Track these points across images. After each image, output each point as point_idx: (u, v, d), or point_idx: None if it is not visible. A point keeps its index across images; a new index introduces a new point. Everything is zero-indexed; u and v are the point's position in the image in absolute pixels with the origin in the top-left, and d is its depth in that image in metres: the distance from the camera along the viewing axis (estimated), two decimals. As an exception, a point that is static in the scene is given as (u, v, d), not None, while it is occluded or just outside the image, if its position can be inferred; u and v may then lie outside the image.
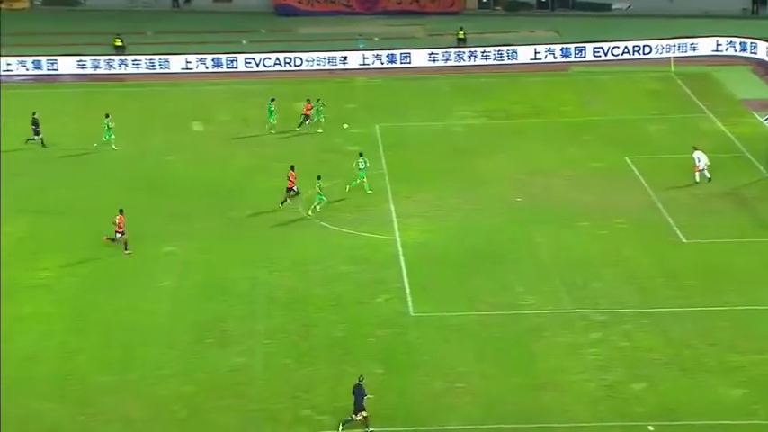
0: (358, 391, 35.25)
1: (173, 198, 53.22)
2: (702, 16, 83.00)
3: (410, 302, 43.02)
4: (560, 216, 50.45)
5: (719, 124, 62.50)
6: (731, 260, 45.87)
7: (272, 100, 61.55)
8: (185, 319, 42.11)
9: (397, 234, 49.07)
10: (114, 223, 46.88)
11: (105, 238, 47.16)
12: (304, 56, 74.65)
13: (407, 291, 43.88)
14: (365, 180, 52.58)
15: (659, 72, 71.81)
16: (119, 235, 46.74)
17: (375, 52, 75.25)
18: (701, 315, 41.50)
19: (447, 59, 74.80)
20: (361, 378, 35.62)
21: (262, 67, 74.44)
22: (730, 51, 74.62)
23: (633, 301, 42.65)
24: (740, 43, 74.52)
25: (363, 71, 74.07)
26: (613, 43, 74.62)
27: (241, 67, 74.59)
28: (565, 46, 74.92)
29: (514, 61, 74.53)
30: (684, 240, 48.03)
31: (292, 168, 51.93)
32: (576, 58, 74.55)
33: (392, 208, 52.03)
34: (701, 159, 53.99)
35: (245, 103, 68.28)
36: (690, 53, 74.40)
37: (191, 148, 60.41)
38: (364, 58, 74.92)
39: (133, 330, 41.34)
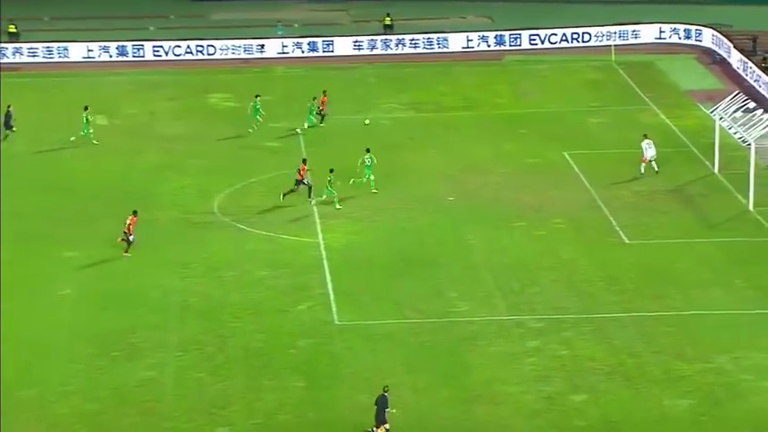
0: (381, 403, 35.17)
1: (74, 198, 52.66)
2: (645, 2, 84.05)
3: (334, 310, 43.00)
4: (495, 216, 50.76)
5: (663, 117, 63.27)
6: (675, 262, 46.49)
7: (257, 96, 60.89)
8: (89, 330, 41.68)
9: (321, 236, 49.03)
10: (125, 223, 46.71)
11: (119, 239, 46.72)
12: (218, 44, 74.32)
13: (331, 297, 43.86)
14: (372, 178, 52.72)
15: (599, 61, 72.54)
16: (131, 237, 46.58)
17: (295, 40, 75.12)
18: (645, 321, 41.98)
19: (373, 47, 74.91)
20: (385, 389, 35.54)
21: (171, 56, 74.00)
22: (674, 39, 75.63)
23: (573, 307, 43.02)
24: (684, 30, 75.56)
25: (282, 60, 73.93)
26: (550, 30, 75.25)
27: (148, 56, 74.08)
28: (499, 33, 75.42)
29: (445, 50, 74.85)
30: (627, 241, 48.55)
31: (304, 162, 52.11)
32: (510, 46, 75.08)
33: (315, 208, 51.99)
34: (649, 149, 54.64)
35: (152, 94, 67.81)
36: (632, 41, 75.28)
37: (93, 143, 59.84)
38: (283, 46, 74.78)
39: (30, 343, 40.79)
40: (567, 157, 57.61)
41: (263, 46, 74.52)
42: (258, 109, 60.45)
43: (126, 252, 46.61)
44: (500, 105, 65.63)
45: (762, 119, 52.98)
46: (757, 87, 66.49)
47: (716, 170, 55.38)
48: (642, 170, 54.64)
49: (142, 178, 55.64)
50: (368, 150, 53.50)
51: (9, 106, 60.04)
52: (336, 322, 42.24)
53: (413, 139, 59.83)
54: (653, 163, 54.75)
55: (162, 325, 42.08)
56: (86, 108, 59.50)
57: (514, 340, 40.89)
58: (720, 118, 55.92)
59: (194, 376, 38.94)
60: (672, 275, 45.32)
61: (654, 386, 38.16)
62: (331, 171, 51.45)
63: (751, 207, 51.14)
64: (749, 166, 51.60)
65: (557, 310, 42.67)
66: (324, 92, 62.21)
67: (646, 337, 40.86)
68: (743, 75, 68.97)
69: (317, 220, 50.53)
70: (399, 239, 48.57)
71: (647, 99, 66.04)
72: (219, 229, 49.67)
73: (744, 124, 53.63)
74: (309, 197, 51.60)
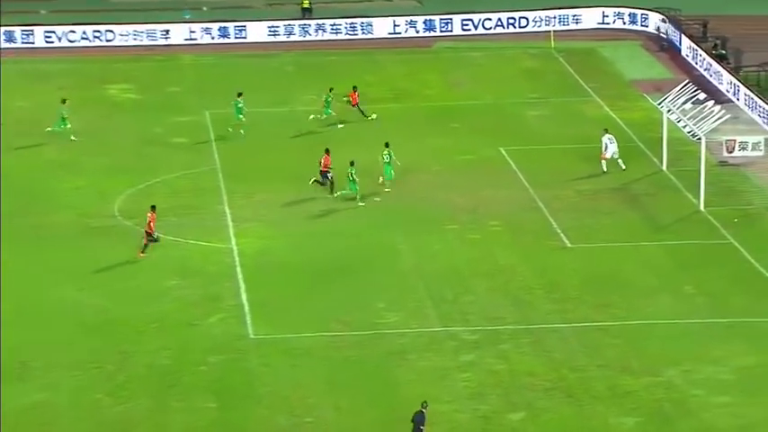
0: (418, 419, 35.15)
1: (-43, 201, 52.13)
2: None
3: (249, 322, 42.89)
4: (425, 218, 50.93)
5: (607, 109, 63.75)
6: (621, 267, 46.90)
7: (240, 94, 59.96)
8: (-26, 348, 41.24)
9: (234, 241, 48.87)
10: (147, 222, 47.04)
11: (144, 243, 46.91)
12: (117, 29, 73.84)
13: (245, 309, 43.73)
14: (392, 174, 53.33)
15: (538, 48, 72.98)
16: (149, 236, 46.69)
17: (204, 25, 74.85)
18: (589, 332, 42.30)
19: (290, 33, 74.81)
20: (424, 404, 35.48)
21: (65, 43, 73.38)
22: (618, 24, 76.35)
23: (510, 317, 43.28)
24: (629, 15, 76.33)
25: (190, 47, 73.58)
26: (484, 15, 75.62)
27: (39, 43, 73.38)
28: (428, 18, 75.64)
29: (370, 36, 74.92)
30: (569, 245, 48.92)
31: (327, 152, 52.54)
32: (441, 32, 75.35)
33: (227, 210, 51.79)
34: (611, 145, 55.04)
35: (44, 85, 67.11)
36: (572, 26, 75.85)
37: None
38: (191, 31, 74.44)
39: None
40: (503, 153, 57.88)
41: (168, 32, 74.12)
42: (241, 108, 59.54)
43: (150, 244, 46.77)
44: (430, 97, 65.77)
45: (713, 111, 53.58)
46: (708, 76, 67.31)
47: (664, 167, 55.97)
48: (605, 168, 54.99)
49: (34, 178, 55.07)
50: (387, 145, 53.51)
51: None
52: (251, 336, 42.12)
53: (336, 134, 59.67)
54: (619, 161, 55.10)
55: (54, 342, 41.68)
56: (64, 101, 58.95)
57: (447, 354, 41.02)
58: (668, 110, 56.44)
59: (92, 398, 38.64)
60: (617, 282, 45.72)
61: (598, 403, 38.42)
62: (351, 164, 51.46)
63: (701, 207, 51.75)
64: (699, 163, 52.17)
65: (493, 321, 42.88)
66: (354, 87, 61.71)
67: (589, 350, 41.17)
68: (692, 63, 69.81)
69: (230, 224, 50.39)
70: (321, 244, 48.60)
71: (589, 90, 66.50)
72: (121, 235, 49.32)
73: (693, 117, 54.22)
74: (332, 192, 52.37)
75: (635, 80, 68.12)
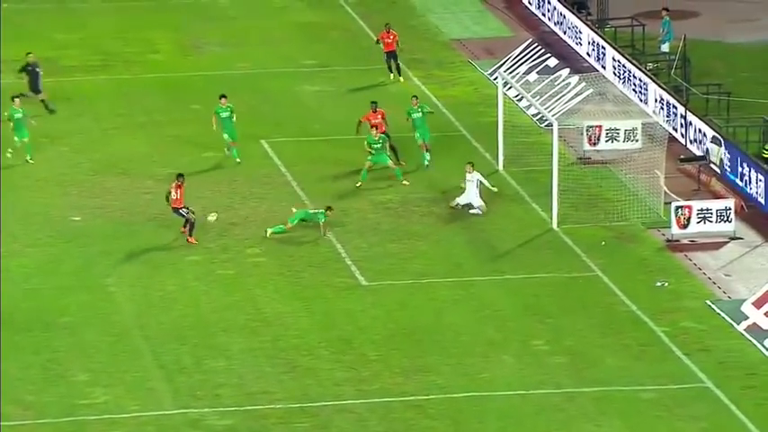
0: None
1: None
2: None
3: None
4: (150, 245, 50.95)
5: (417, 81, 64.54)
6: (442, 314, 47.14)
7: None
8: None
9: None
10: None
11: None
12: None
13: None
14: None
15: (318, -7, 73.83)
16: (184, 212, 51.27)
17: None
18: (396, 410, 42.26)
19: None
20: None
21: None
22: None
23: (281, 392, 43.15)
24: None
25: None
26: (237, -57, 75.61)
27: None
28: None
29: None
30: (364, 282, 49.17)
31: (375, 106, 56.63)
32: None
33: None
34: (474, 185, 53.16)
35: None
36: (366, -39, 76.29)
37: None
38: None
39: None
40: (266, 147, 58.49)
41: None
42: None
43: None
44: (157, 65, 66.22)
45: (568, 84, 54.18)
46: (560, 34, 68.04)
47: (500, 166, 56.62)
48: (456, 204, 53.68)
49: None
50: (415, 97, 56.71)
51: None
52: None
53: (8, 122, 58.58)
54: (458, 204, 53.50)
55: None
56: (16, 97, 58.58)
57: (186, 450, 40.96)
58: (505, 84, 56.81)
59: None
60: (436, 336, 45.90)
61: None
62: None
63: (555, 224, 52.48)
64: (551, 160, 52.69)
65: (255, 398, 42.76)
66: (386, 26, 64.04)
67: (399, 438, 41.36)
68: (538, 14, 70.50)
69: None
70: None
71: (391, 54, 67.33)
72: None
73: (541, 93, 54.72)
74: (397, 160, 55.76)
75: (457, 40, 69.05)
